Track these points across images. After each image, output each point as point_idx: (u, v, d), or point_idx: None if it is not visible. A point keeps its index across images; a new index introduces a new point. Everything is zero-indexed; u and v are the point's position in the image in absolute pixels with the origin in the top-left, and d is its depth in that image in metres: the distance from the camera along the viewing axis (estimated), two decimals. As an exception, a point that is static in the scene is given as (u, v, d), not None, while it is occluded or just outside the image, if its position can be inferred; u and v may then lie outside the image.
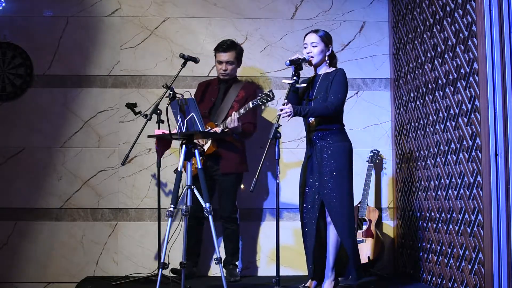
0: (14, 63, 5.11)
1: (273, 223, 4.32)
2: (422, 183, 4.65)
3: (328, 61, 4.06)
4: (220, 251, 4.18)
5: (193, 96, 4.12)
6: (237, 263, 4.84)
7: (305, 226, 4.01)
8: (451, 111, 4.16)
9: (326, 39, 4.04)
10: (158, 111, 4.49)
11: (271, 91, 4.35)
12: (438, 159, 4.37)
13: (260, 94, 4.37)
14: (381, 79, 5.27)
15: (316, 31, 4.05)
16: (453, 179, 4.12)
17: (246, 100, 4.67)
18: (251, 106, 4.41)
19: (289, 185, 4.85)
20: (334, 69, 4.06)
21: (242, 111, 4.49)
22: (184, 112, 3.94)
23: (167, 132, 4.13)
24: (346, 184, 3.93)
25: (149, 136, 4.33)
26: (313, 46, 4.00)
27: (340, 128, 4.03)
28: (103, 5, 5.20)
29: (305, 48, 4.03)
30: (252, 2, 5.26)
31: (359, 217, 4.84)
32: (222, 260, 4.64)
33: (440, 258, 4.31)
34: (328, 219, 3.91)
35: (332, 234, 3.92)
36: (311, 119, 4.00)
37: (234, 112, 4.51)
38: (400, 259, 5.07)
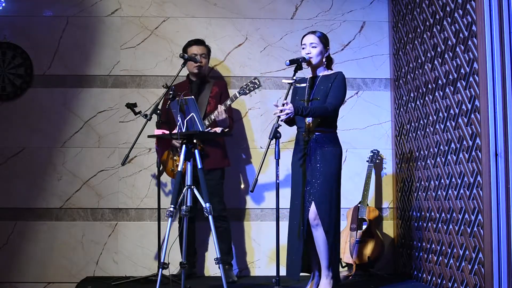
0: (14, 63, 5.11)
1: (273, 223, 4.30)
2: (422, 183, 4.65)
3: (325, 63, 4.07)
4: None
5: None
6: (232, 262, 4.82)
7: (295, 225, 4.00)
8: (451, 111, 4.16)
9: (324, 40, 4.04)
10: (158, 111, 4.50)
11: (256, 78, 4.40)
12: (438, 159, 4.36)
13: (246, 83, 4.40)
14: (381, 79, 5.27)
15: (314, 32, 4.04)
16: (453, 179, 4.12)
17: (221, 95, 4.71)
18: (238, 96, 4.44)
19: (289, 185, 4.84)
20: (333, 71, 4.06)
21: (228, 102, 4.50)
22: (184, 112, 3.94)
23: (167, 132, 4.13)
24: (335, 188, 3.95)
25: (149, 136, 4.33)
26: (312, 47, 3.99)
27: (334, 132, 4.04)
28: (103, 5, 5.20)
29: (303, 49, 4.02)
30: (252, 2, 5.25)
31: (359, 217, 4.83)
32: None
33: (440, 258, 4.31)
34: (316, 221, 3.90)
35: (320, 235, 3.91)
36: (309, 120, 3.99)
37: (220, 105, 4.49)
38: (400, 259, 5.07)
